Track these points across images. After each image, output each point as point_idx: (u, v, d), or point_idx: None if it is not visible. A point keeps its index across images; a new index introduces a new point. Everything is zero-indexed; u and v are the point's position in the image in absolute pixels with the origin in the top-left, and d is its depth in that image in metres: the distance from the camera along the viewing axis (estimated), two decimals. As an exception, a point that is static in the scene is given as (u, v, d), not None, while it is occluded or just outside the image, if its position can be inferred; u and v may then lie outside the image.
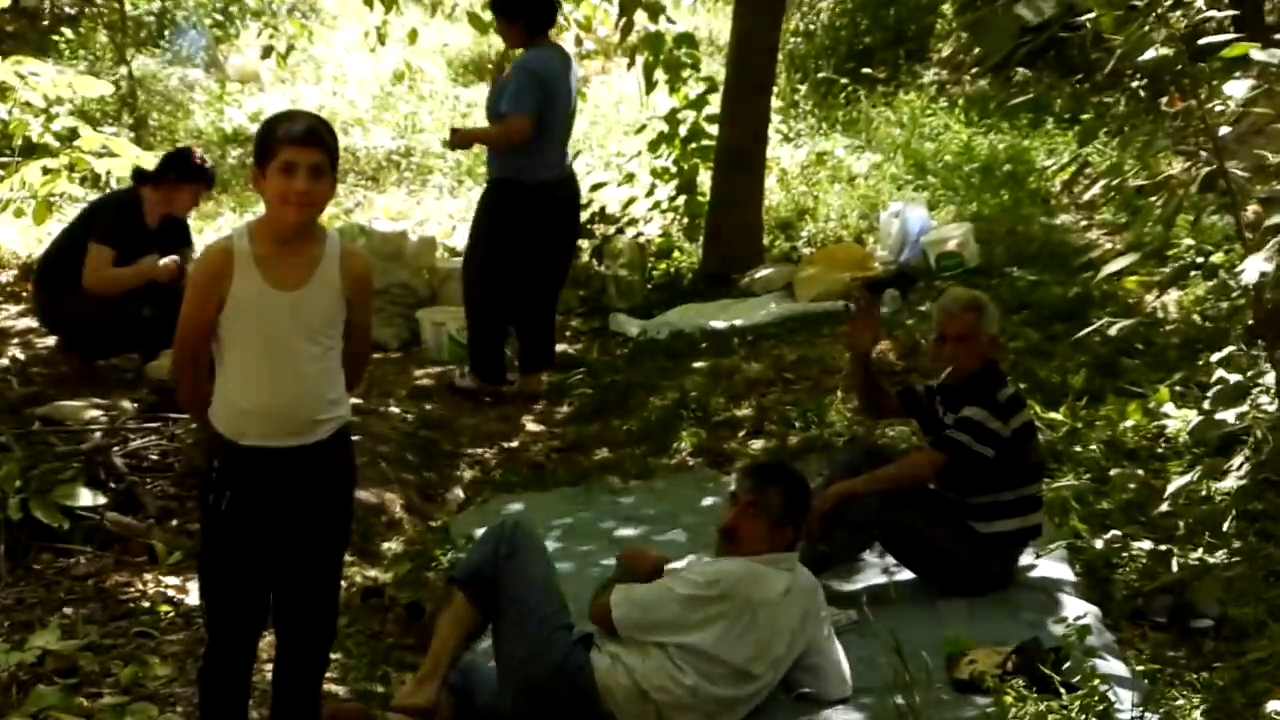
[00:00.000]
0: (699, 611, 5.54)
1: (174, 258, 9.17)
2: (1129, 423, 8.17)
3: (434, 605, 6.67)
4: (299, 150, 4.72)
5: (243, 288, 4.77)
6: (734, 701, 5.59)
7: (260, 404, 4.82)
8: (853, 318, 7.59)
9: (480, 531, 6.77)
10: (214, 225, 12.55)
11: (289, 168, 4.71)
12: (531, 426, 9.75)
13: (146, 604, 6.52)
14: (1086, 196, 12.85)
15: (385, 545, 7.62)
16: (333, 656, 5.40)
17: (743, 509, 5.93)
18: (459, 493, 8.64)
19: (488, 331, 9.92)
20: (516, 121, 9.36)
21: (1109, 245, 11.28)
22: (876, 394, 7.40)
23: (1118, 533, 7.05)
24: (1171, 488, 5.97)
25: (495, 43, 16.65)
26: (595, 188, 13.10)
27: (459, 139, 10.22)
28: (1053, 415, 8.38)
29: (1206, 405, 5.13)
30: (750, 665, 5.59)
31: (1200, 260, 9.95)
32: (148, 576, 6.77)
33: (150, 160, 9.07)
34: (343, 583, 5.33)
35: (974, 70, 16.94)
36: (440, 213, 14.74)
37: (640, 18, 12.02)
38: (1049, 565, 6.93)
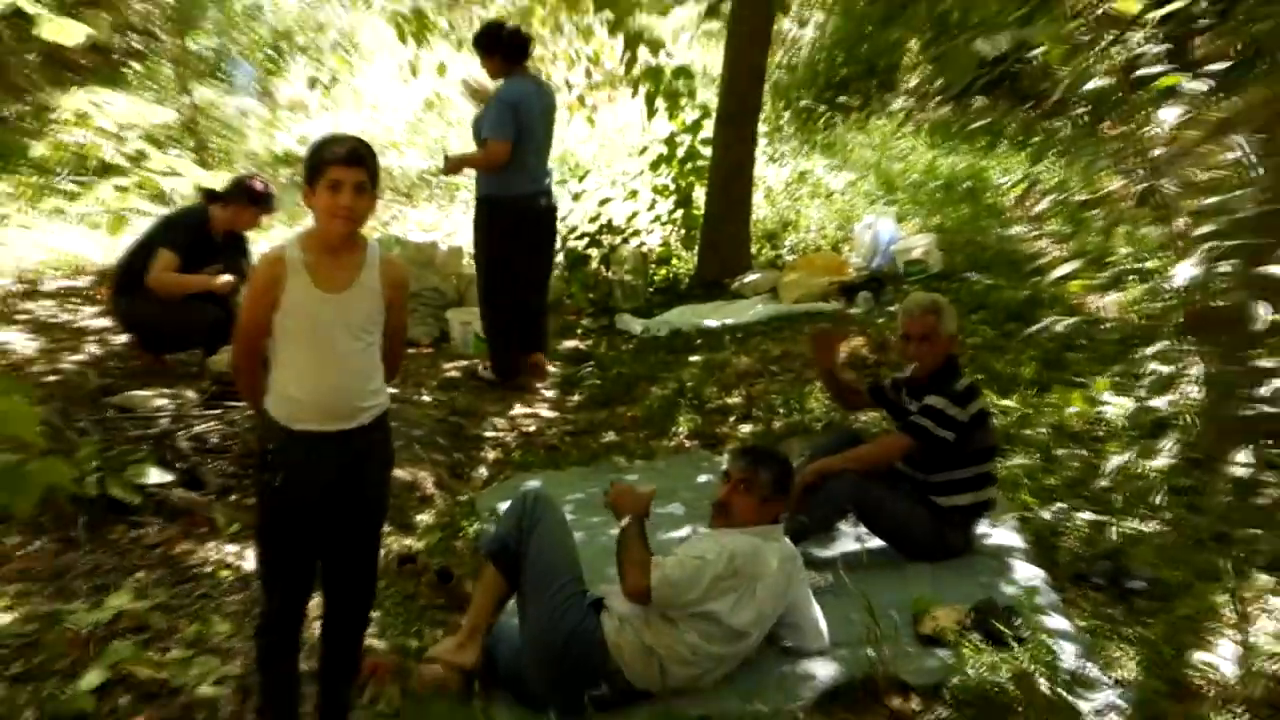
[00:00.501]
0: (717, 586, 5.56)
1: (230, 277, 9.21)
2: (1073, 409, 8.18)
3: (461, 570, 6.72)
4: (344, 169, 4.75)
5: (295, 291, 4.79)
6: (728, 657, 5.60)
7: (310, 392, 4.84)
8: (815, 340, 7.59)
9: (503, 505, 6.77)
10: (267, 236, 12.56)
11: (335, 185, 4.74)
12: (546, 413, 9.75)
13: (208, 569, 6.55)
14: (1036, 210, 12.88)
15: (418, 517, 7.63)
16: (372, 615, 5.40)
17: (735, 485, 5.95)
18: (483, 471, 8.63)
19: (500, 332, 9.97)
20: (496, 146, 9.41)
21: (1056, 253, 11.28)
22: (847, 392, 7.51)
23: (1062, 505, 7.06)
24: (1110, 466, 5.99)
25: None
26: (603, 202, 13.13)
27: (451, 165, 10.22)
28: (1006, 403, 8.39)
29: (1141, 394, 5.14)
30: (749, 628, 5.62)
31: (1136, 266, 9.97)
32: (210, 545, 6.79)
33: (210, 180, 9.09)
34: (381, 550, 5.33)
35: (937, 99, 16.96)
36: (466, 225, 14.63)
37: (643, 53, 12.02)
38: (1002, 534, 6.95)
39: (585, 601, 5.64)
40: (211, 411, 8.20)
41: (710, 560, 5.57)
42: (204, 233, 9.32)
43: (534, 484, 8.11)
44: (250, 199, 9.39)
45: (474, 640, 5.70)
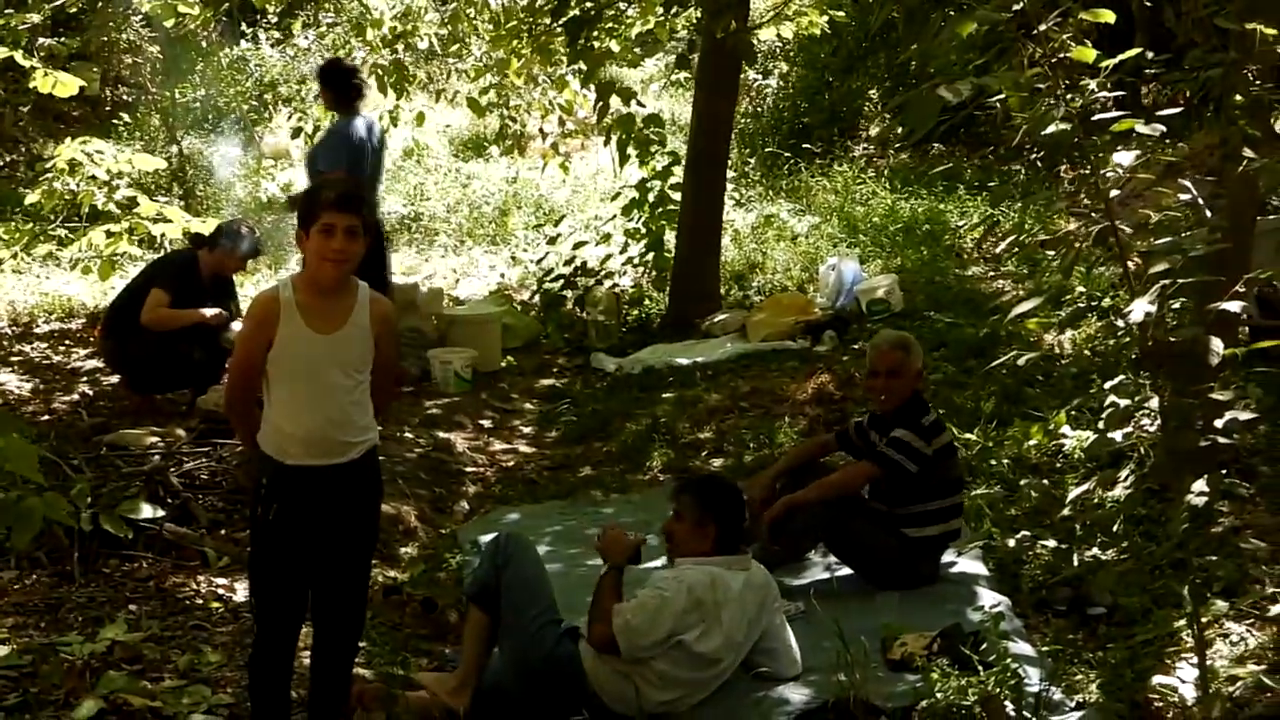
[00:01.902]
0: (681, 620, 5.56)
1: (221, 311, 9.19)
2: (1032, 442, 8.22)
3: (445, 601, 6.74)
4: (337, 214, 4.76)
5: (288, 331, 4.80)
6: (702, 682, 5.61)
7: (302, 428, 4.84)
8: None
9: (485, 538, 6.79)
10: (253, 279, 12.55)
11: (328, 229, 4.75)
12: (525, 448, 9.76)
13: (200, 601, 6.52)
14: (995, 251, 12.94)
15: (403, 550, 7.64)
16: (360, 645, 5.40)
17: (672, 517, 5.98)
18: (465, 505, 8.65)
19: None
20: (331, 176, 9.44)
21: (1014, 292, 11.34)
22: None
23: (1025, 534, 7.08)
24: (1070, 496, 6.00)
25: (492, 124, 16.76)
26: (577, 245, 13.16)
27: (292, 203, 10.34)
28: (968, 436, 8.42)
29: (1100, 426, 5.16)
30: (718, 654, 5.62)
31: (1092, 304, 10.02)
32: (201, 578, 6.77)
33: (198, 225, 9.09)
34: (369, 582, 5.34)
35: (897, 145, 17.04)
36: (445, 268, 14.78)
37: (614, 102, 12.07)
38: (967, 563, 6.98)
39: (560, 630, 5.66)
40: (201, 449, 8.18)
41: (669, 597, 5.58)
42: (193, 276, 9.30)
43: (513, 518, 8.15)
44: (236, 244, 9.38)
45: (468, 684, 5.71)
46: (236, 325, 8.75)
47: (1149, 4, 11.81)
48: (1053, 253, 6.59)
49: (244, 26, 20.26)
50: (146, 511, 6.99)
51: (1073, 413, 8.25)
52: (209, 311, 9.17)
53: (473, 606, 5.86)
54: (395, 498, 8.09)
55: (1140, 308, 4.85)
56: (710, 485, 6.20)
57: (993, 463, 8.11)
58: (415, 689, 5.71)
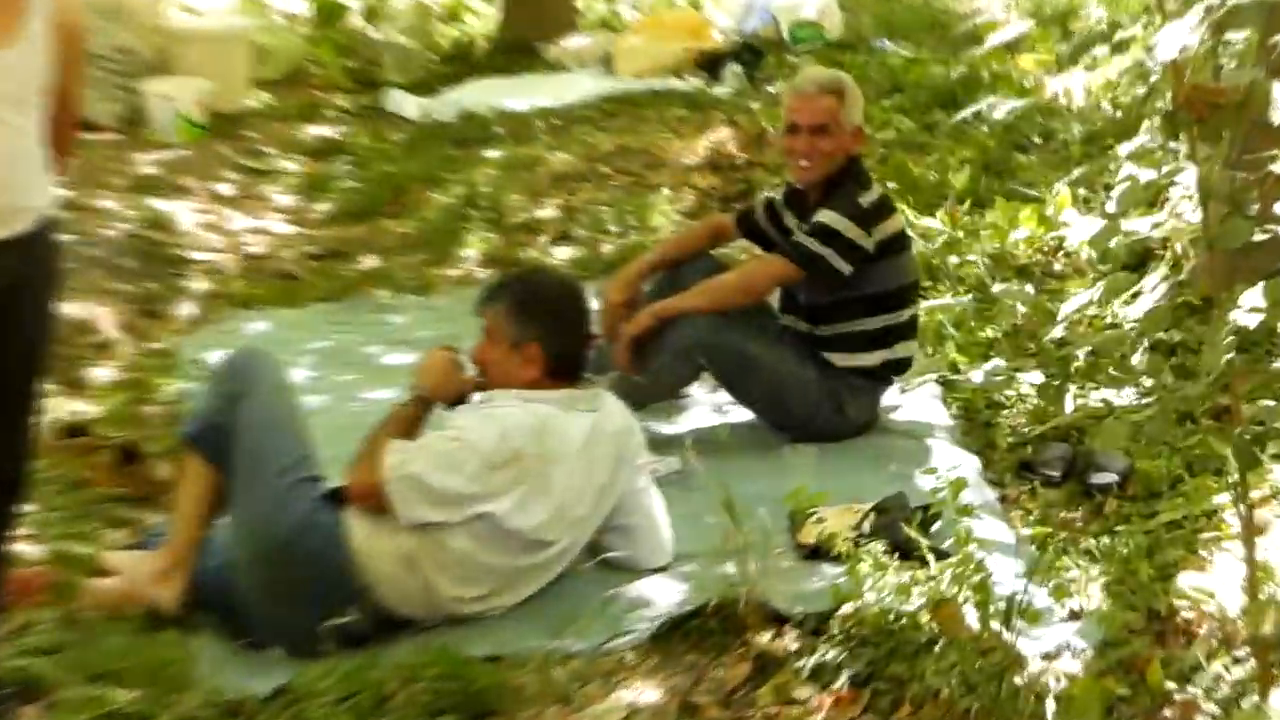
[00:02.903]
0: (492, 479, 5.41)
1: None
2: (1020, 232, 8.20)
3: (154, 448, 6.65)
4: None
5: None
6: (521, 572, 5.52)
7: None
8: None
9: (215, 357, 6.68)
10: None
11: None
12: (281, 227, 9.67)
13: None
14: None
15: (94, 372, 7.52)
16: (23, 509, 5.26)
17: (483, 335, 5.78)
18: (189, 308, 8.53)
19: None
20: None
21: (1001, 14, 11.32)
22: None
23: (1002, 364, 7.06)
24: (1066, 308, 5.94)
25: None
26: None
27: None
28: (927, 223, 8.39)
29: (1111, 210, 5.08)
30: (543, 532, 5.52)
31: (1110, 35, 10.00)
32: None
33: None
34: (39, 417, 5.18)
35: None
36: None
37: None
38: (918, 404, 6.99)
39: (319, 490, 5.51)
40: None
41: (472, 441, 5.42)
42: None
43: (260, 328, 8.07)
44: None
45: (180, 569, 5.57)
46: None
47: None
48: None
49: None
50: None
51: (1080, 192, 8.22)
52: None
53: (192, 455, 5.69)
54: (85, 294, 8.00)
55: (1174, 36, 4.74)
56: (535, 285, 5.97)
57: (961, 261, 8.07)
58: (105, 575, 5.61)
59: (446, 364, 5.76)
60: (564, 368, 5.74)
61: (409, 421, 5.61)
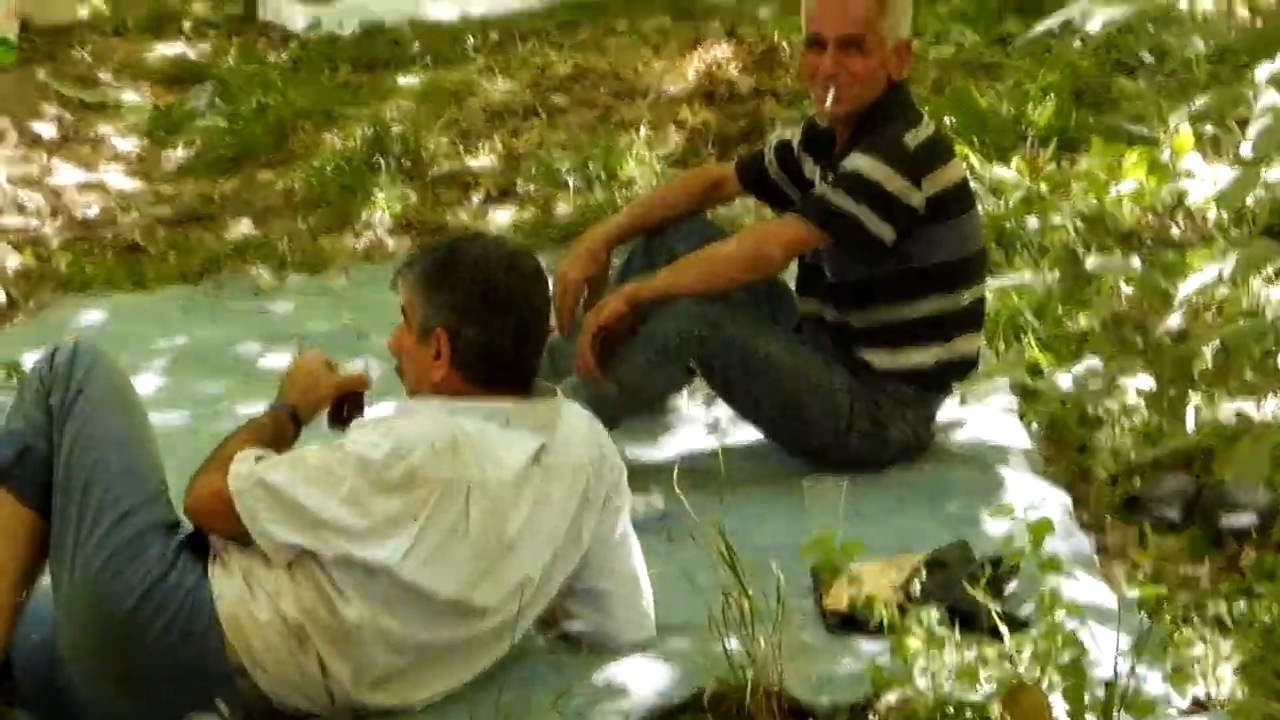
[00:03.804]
0: (374, 505, 5.32)
1: None
2: (1125, 185, 8.23)
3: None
4: None
5: None
6: (443, 652, 5.49)
7: None
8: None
9: (34, 357, 6.69)
10: None
11: None
12: (121, 182, 9.70)
13: None
14: None
15: None
16: None
17: (401, 322, 5.72)
18: (-1, 292, 8.58)
19: None
20: None
21: None
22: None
23: (1100, 365, 7.08)
24: (1187, 288, 5.96)
25: None
26: None
27: None
28: (999, 172, 8.42)
29: (1246, 151, 5.12)
30: (469, 594, 5.43)
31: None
32: None
33: None
34: None
35: None
36: None
37: None
38: (985, 420, 7.06)
39: (174, 540, 5.51)
40: None
41: (356, 451, 5.38)
42: None
43: (94, 318, 8.10)
44: None
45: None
46: None
47: None
48: None
49: None
50: None
51: (1207, 130, 8.27)
52: None
53: (2, 489, 5.67)
54: None
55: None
56: (458, 251, 5.85)
57: (1045, 226, 8.10)
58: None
59: (316, 366, 5.81)
60: (492, 369, 5.62)
61: (266, 430, 5.63)
